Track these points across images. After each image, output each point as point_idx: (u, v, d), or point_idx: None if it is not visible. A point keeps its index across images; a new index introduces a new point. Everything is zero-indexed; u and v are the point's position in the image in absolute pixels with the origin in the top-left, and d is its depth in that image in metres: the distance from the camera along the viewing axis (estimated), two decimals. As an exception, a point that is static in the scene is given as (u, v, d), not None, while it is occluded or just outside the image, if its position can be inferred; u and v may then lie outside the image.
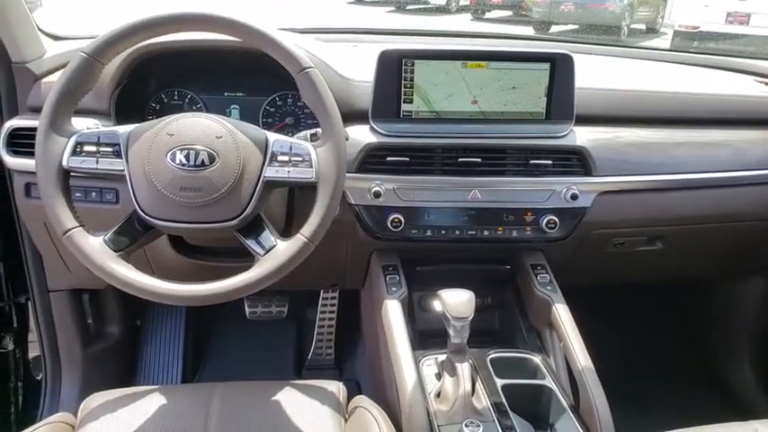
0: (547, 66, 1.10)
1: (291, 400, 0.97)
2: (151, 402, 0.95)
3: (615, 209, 1.16)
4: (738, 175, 1.21)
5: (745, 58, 1.57)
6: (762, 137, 1.25)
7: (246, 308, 1.68)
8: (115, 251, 0.85)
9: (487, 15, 12.63)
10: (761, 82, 1.40)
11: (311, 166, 0.87)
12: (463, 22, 11.94)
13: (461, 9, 12.70)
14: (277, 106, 1.23)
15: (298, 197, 1.10)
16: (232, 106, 1.24)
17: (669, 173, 1.17)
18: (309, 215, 0.87)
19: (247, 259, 0.88)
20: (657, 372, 1.64)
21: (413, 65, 1.08)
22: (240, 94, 1.24)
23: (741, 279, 1.54)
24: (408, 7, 12.90)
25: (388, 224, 1.11)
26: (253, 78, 1.20)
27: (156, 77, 1.20)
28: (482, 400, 0.96)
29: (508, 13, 12.49)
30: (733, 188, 1.22)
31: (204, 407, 0.94)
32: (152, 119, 0.91)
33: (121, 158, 0.86)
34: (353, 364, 1.70)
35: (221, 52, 1.09)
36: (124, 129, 0.87)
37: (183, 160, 0.83)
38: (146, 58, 1.07)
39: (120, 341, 1.56)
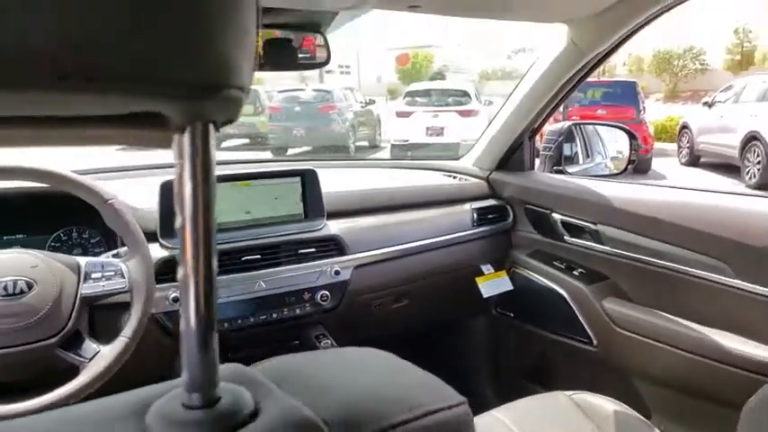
0: (298, 179, 1.49)
1: None
2: None
3: (368, 277, 1.55)
4: (437, 240, 1.71)
5: (436, 160, 2.21)
6: (447, 212, 1.79)
7: None
8: None
9: (225, 144, 13.30)
10: (445, 175, 2.01)
11: (123, 277, 1.07)
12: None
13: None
14: (62, 241, 1.36)
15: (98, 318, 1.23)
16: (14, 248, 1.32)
17: (398, 244, 1.62)
18: (118, 325, 1.05)
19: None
20: None
21: (191, 189, 1.35)
22: (21, 236, 1.33)
23: (472, 317, 2.06)
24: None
25: None
26: (32, 219, 1.32)
27: None
28: None
29: (245, 140, 13.35)
30: (437, 250, 1.70)
31: None
32: None
33: None
34: None
35: None
36: None
37: (2, 291, 0.95)
38: None
39: None
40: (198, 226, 0.30)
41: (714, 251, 1.34)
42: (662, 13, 1.39)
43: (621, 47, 1.57)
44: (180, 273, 0.32)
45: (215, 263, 0.32)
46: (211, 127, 0.29)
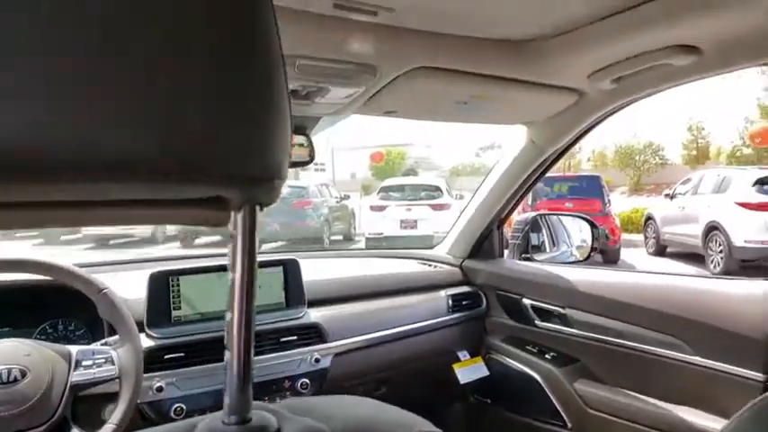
0: (280, 268, 1.57)
1: None
2: None
3: (348, 365, 1.60)
4: (415, 327, 1.77)
5: (412, 249, 2.32)
6: (424, 298, 1.88)
7: None
8: None
9: (197, 241, 13.34)
10: (420, 263, 2.12)
11: (113, 364, 1.11)
12: (172, 250, 12.30)
13: (168, 239, 13.20)
14: (48, 334, 1.39)
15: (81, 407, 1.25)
16: None
17: (377, 331, 1.68)
18: (101, 415, 1.08)
19: None
20: None
21: (178, 280, 1.42)
22: (6, 329, 1.37)
23: (450, 404, 2.09)
24: (111, 242, 12.81)
25: (172, 413, 1.32)
26: (17, 312, 1.36)
27: None
28: None
29: (217, 237, 13.41)
30: (414, 336, 1.77)
31: None
32: None
33: None
34: None
35: None
36: None
37: None
38: None
39: None
40: (244, 278, 0.40)
41: (673, 330, 1.44)
42: (612, 113, 1.57)
43: (577, 143, 1.75)
44: (228, 317, 0.40)
45: (254, 308, 0.41)
46: (257, 207, 0.39)
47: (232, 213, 0.39)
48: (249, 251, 0.40)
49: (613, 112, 1.55)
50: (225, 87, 0.31)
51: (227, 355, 0.42)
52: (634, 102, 1.48)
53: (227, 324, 0.41)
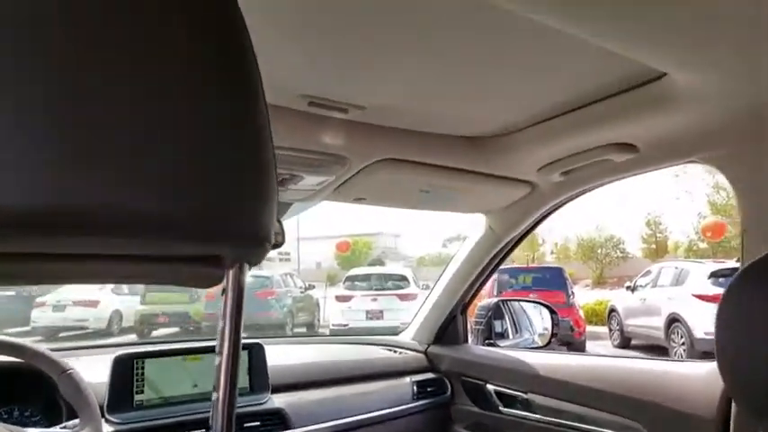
0: (245, 352, 1.58)
1: None
2: None
3: None
4: (379, 414, 1.77)
5: (378, 335, 2.36)
6: (388, 385, 1.89)
7: None
8: None
9: (155, 333, 12.89)
10: (386, 350, 2.14)
11: None
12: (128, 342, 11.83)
13: (124, 331, 12.75)
14: (4, 420, 1.36)
15: None
16: None
17: (341, 418, 1.68)
18: None
19: None
20: None
21: (143, 363, 1.43)
22: None
23: None
24: (61, 334, 12.30)
25: None
26: None
27: None
28: None
29: (176, 329, 13.02)
30: (378, 424, 1.76)
31: None
32: None
33: None
34: None
35: None
36: None
37: None
38: None
39: None
40: (233, 326, 0.45)
41: (630, 413, 1.49)
42: (564, 204, 1.70)
43: (534, 230, 1.88)
44: (217, 360, 0.45)
45: (240, 352, 0.46)
46: (246, 266, 0.45)
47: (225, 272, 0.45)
48: (237, 304, 0.46)
49: (565, 203, 1.68)
50: (224, 157, 0.38)
51: (213, 395, 0.46)
52: (583, 193, 1.62)
53: (216, 367, 0.46)
